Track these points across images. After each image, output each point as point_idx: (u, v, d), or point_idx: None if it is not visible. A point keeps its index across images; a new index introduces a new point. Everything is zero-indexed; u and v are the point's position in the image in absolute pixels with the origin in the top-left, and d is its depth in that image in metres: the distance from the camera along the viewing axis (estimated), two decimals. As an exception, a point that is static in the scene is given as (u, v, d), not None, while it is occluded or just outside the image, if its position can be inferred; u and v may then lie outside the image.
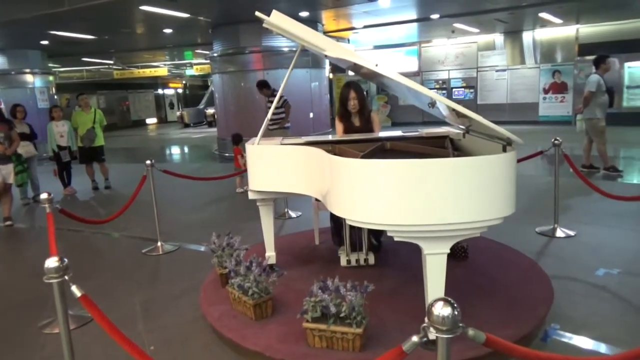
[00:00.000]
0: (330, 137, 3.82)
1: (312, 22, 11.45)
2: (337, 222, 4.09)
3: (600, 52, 8.57)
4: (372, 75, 3.43)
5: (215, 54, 11.61)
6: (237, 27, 11.00)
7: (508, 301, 3.09)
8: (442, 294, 2.46)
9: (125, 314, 3.49)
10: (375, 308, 2.82)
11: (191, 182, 6.80)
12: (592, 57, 13.85)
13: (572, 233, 4.72)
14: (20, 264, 5.04)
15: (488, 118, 2.50)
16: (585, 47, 14.38)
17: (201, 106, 25.37)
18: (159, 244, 4.95)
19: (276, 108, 8.49)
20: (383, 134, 3.96)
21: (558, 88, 14.86)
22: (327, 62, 12.20)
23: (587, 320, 3.06)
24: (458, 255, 3.75)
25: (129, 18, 10.12)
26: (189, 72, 22.98)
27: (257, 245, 4.04)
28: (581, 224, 4.97)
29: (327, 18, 11.63)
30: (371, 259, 3.71)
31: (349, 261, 3.69)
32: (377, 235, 4.02)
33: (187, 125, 23.95)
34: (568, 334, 2.89)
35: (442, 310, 1.33)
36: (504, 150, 2.53)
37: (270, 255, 3.66)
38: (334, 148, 3.34)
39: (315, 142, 3.50)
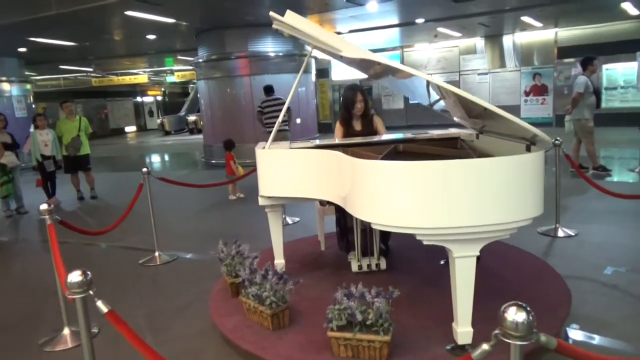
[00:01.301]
0: (336, 141, 3.75)
1: (298, 27, 11.41)
2: (343, 227, 4.02)
3: (579, 55, 8.73)
4: (383, 75, 3.38)
5: (200, 60, 11.46)
6: (223, 33, 10.88)
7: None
8: (471, 298, 2.42)
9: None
10: (395, 314, 2.75)
11: (182, 191, 6.66)
12: (570, 60, 14.32)
13: (573, 232, 4.75)
14: (6, 280, 4.80)
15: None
16: (564, 50, 14.69)
17: (182, 113, 25.07)
18: (156, 254, 4.80)
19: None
20: (387, 136, 3.91)
21: (539, 90, 15.12)
22: (313, 66, 12.17)
23: (604, 319, 3.05)
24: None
25: (113, 24, 9.91)
26: (170, 78, 22.68)
27: (263, 253, 3.93)
28: (581, 223, 5.01)
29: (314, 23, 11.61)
30: (382, 264, 3.64)
31: (360, 266, 3.62)
32: (384, 239, 3.96)
33: (168, 133, 23.63)
34: (589, 334, 2.87)
35: (516, 315, 1.27)
36: (528, 149, 2.51)
37: (280, 262, 3.57)
38: (346, 151, 3.27)
39: (325, 145, 3.42)
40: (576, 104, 7.43)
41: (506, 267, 3.66)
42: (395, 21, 11.97)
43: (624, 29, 13.63)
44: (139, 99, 28.68)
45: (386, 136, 3.91)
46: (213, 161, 11.72)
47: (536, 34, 15.13)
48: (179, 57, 16.96)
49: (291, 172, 3.04)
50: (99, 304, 1.73)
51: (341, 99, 4.01)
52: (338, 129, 4.09)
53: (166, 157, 15.58)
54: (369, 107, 4.04)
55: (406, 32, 14.22)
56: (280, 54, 11.13)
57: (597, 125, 7.54)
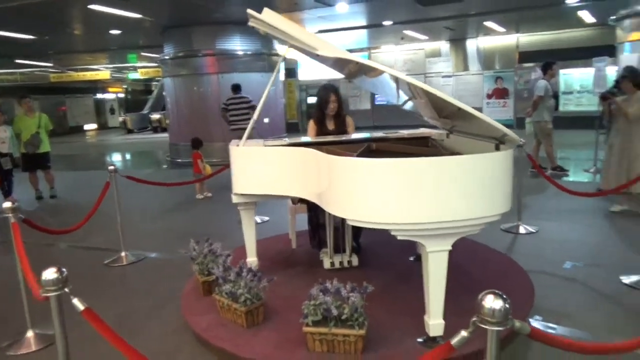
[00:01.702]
0: (303, 139, 3.77)
1: (267, 26, 11.38)
2: (315, 225, 4.05)
3: (538, 59, 9.11)
4: (357, 74, 3.44)
5: (166, 57, 11.26)
6: (190, 30, 10.74)
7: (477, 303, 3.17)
8: (443, 291, 2.49)
9: (93, 329, 3.26)
10: (368, 309, 2.80)
11: (148, 190, 6.52)
12: (530, 65, 14.85)
13: (534, 229, 4.94)
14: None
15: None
16: (524, 55, 15.25)
17: (145, 111, 24.52)
18: (122, 254, 4.69)
19: (248, 112, 8.56)
20: (360, 135, 3.97)
21: (500, 93, 15.60)
22: (282, 65, 12.14)
23: (565, 310, 3.19)
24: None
25: (76, 17, 9.61)
26: (133, 75, 22.13)
27: (235, 251, 3.92)
28: (541, 220, 5.22)
29: (281, 22, 11.60)
30: (354, 261, 3.70)
31: (332, 263, 3.66)
32: (355, 237, 4.02)
33: (130, 131, 23.06)
34: (552, 325, 3.00)
35: (493, 303, 1.33)
36: (497, 148, 2.61)
37: (253, 260, 3.56)
38: (321, 150, 3.30)
39: (299, 143, 3.44)
40: (536, 107, 7.72)
41: (473, 263, 3.78)
42: (363, 23, 12.12)
43: (580, 36, 14.26)
44: (99, 95, 27.84)
45: (359, 135, 3.97)
46: (179, 160, 11.52)
47: (498, 38, 15.64)
48: (143, 54, 16.59)
49: (266, 169, 3.04)
50: (75, 301, 1.70)
51: (317, 98, 4.03)
52: (311, 127, 4.12)
53: (130, 156, 15.20)
54: (342, 107, 4.09)
55: (373, 33, 14.41)
56: (249, 52, 11.08)
57: (554, 128, 7.87)
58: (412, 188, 2.28)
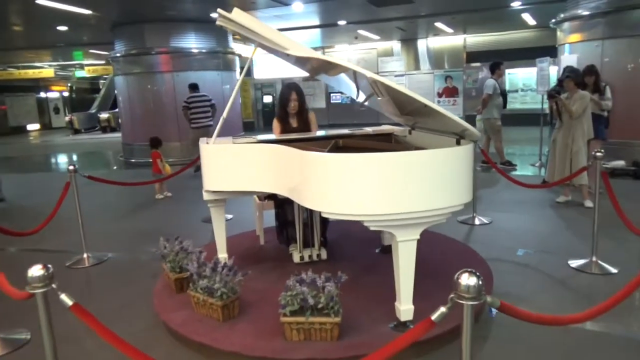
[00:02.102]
0: (269, 137, 3.84)
1: (222, 24, 11.28)
2: (282, 221, 4.13)
3: (485, 59, 9.58)
4: (319, 71, 3.54)
5: (117, 55, 10.94)
6: (143, 27, 10.49)
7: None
8: (412, 278, 2.65)
9: (70, 330, 3.21)
10: (340, 298, 2.92)
11: (105, 190, 6.37)
12: (477, 64, 15.49)
13: (487, 220, 5.24)
14: None
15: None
16: (471, 55, 15.88)
17: (93, 110, 23.64)
18: (84, 255, 4.59)
19: (209, 110, 8.63)
20: (325, 132, 4.08)
21: (450, 92, 16.19)
22: (237, 64, 12.09)
23: (520, 294, 3.44)
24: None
25: (21, 12, 9.18)
26: (80, 73, 21.26)
27: (204, 248, 3.93)
28: (493, 211, 5.53)
29: (236, 20, 11.54)
30: (323, 254, 3.81)
31: (302, 257, 3.76)
32: (322, 231, 4.13)
33: (77, 131, 22.13)
34: (509, 307, 3.23)
35: (468, 280, 1.47)
36: (458, 143, 2.79)
37: (223, 257, 3.60)
38: (289, 146, 3.39)
39: (266, 141, 3.51)
40: (486, 105, 8.13)
41: (434, 252, 3.99)
42: (318, 22, 12.25)
43: (523, 37, 15.03)
44: (42, 94, 26.51)
45: (324, 132, 4.08)
46: (133, 160, 11.25)
47: (447, 39, 16.21)
48: (91, 51, 16.01)
49: (238, 166, 3.09)
50: (63, 297, 1.71)
51: (279, 97, 4.12)
52: (275, 125, 4.20)
53: (80, 157, 14.62)
54: (304, 105, 4.19)
55: (327, 33, 14.58)
56: (204, 50, 10.95)
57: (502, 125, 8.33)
58: (383, 181, 2.41)
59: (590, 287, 3.56)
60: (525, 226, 5.07)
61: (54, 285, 1.73)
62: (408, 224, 2.51)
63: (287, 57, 3.35)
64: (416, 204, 2.45)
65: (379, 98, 3.50)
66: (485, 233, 4.90)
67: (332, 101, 17.58)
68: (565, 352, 2.70)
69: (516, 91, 15.13)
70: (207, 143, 3.27)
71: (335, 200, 2.50)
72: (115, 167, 11.62)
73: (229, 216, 5.96)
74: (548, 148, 8.20)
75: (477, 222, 5.21)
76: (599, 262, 3.81)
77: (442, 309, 1.51)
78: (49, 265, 1.76)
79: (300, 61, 3.61)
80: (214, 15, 9.96)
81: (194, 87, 8.87)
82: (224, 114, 3.31)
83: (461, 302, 1.48)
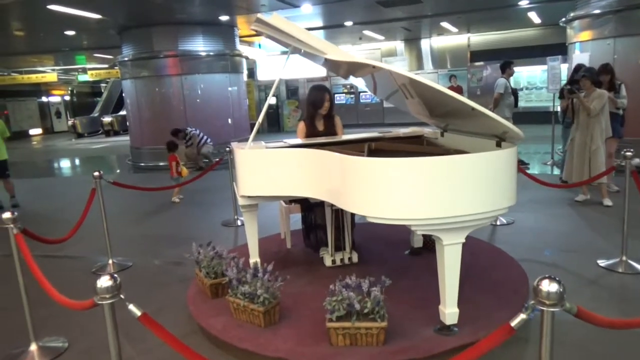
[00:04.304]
0: (299, 141, 3.83)
1: (229, 27, 11.29)
2: (309, 225, 4.13)
3: (489, 58, 9.61)
4: (350, 73, 3.54)
5: (125, 58, 10.92)
6: (151, 30, 10.48)
7: (491, 284, 3.38)
8: (457, 282, 2.65)
9: (102, 340, 3.21)
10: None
11: (119, 195, 6.36)
12: (481, 63, 15.51)
13: (505, 221, 5.23)
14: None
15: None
16: (475, 54, 15.90)
17: (96, 114, 23.61)
18: (110, 261, 4.59)
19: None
20: (355, 135, 4.08)
21: (455, 91, 15.87)
22: (244, 66, 12.09)
23: (554, 294, 3.44)
24: (431, 246, 3.98)
25: (30, 18, 9.15)
26: (82, 77, 21.21)
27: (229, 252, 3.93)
28: (514, 211, 5.51)
29: (242, 23, 11.54)
30: (354, 257, 3.81)
31: (333, 261, 3.76)
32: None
33: (80, 136, 22.10)
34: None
35: (549, 286, 1.47)
36: (498, 145, 2.79)
37: (256, 261, 3.60)
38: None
39: (299, 145, 3.51)
40: (497, 104, 8.12)
41: (464, 253, 3.96)
42: (325, 23, 12.26)
43: (528, 36, 15.05)
44: (44, 98, 26.46)
45: (354, 135, 4.07)
46: (142, 164, 11.23)
47: (451, 38, 16.23)
48: (96, 55, 15.98)
49: (274, 171, 3.08)
50: (131, 307, 1.70)
51: (309, 99, 4.11)
52: (301, 128, 4.18)
53: (87, 161, 14.60)
54: (333, 108, 4.18)
55: (331, 33, 14.58)
56: (211, 53, 10.95)
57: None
58: (430, 185, 2.41)
59: (623, 287, 3.57)
60: (547, 226, 5.07)
61: (122, 296, 1.72)
62: (454, 228, 2.51)
63: (315, 57, 3.34)
64: (463, 208, 2.45)
65: (407, 99, 3.50)
66: (509, 233, 4.91)
67: (336, 102, 17.57)
68: (614, 351, 2.71)
69: (521, 90, 15.14)
70: (242, 149, 3.26)
71: (381, 205, 2.49)
72: (118, 171, 11.59)
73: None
74: (559, 146, 8.24)
75: (500, 222, 5.21)
76: (629, 261, 3.81)
77: (522, 316, 1.51)
78: (116, 276, 1.75)
79: (331, 62, 3.60)
80: (222, 17, 9.98)
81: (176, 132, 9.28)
82: (260, 119, 3.30)
83: (542, 308, 1.48)
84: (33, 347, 3.06)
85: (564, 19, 8.64)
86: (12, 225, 2.87)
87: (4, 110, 23.54)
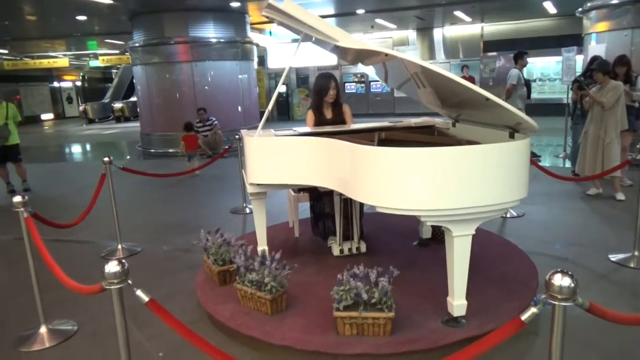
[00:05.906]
0: (309, 129, 3.80)
1: (240, 14, 11.23)
2: (318, 213, 4.12)
3: (502, 49, 9.45)
4: (360, 60, 3.51)
5: (136, 44, 10.92)
6: (161, 16, 10.45)
7: (500, 277, 3.35)
8: (466, 273, 2.63)
9: (111, 324, 3.24)
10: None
11: (126, 181, 6.39)
12: (494, 53, 15.29)
13: (515, 213, 5.18)
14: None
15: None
16: (488, 44, 15.67)
17: (106, 100, 23.71)
18: (119, 246, 4.62)
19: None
20: (364, 124, 4.04)
21: (467, 81, 16.01)
22: (255, 54, 12.03)
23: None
24: (440, 238, 3.96)
25: (44, 2, 9.17)
26: (94, 63, 21.28)
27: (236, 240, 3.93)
28: (524, 204, 5.44)
29: (253, 10, 11.47)
30: (362, 247, 3.80)
31: (341, 250, 3.75)
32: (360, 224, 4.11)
33: (92, 121, 22.24)
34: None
35: (562, 281, 1.44)
36: (511, 136, 2.75)
37: (264, 249, 3.60)
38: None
39: (306, 133, 3.48)
40: (510, 95, 8.01)
41: (474, 246, 3.93)
42: (337, 11, 12.14)
43: (542, 26, 14.79)
44: (56, 84, 26.61)
45: (364, 125, 4.03)
46: (152, 150, 11.28)
47: (463, 28, 16.01)
48: (107, 40, 16.00)
49: (284, 159, 3.07)
50: (139, 293, 1.71)
51: (315, 87, 4.07)
52: (310, 116, 4.15)
53: (97, 147, 14.69)
54: (340, 95, 4.15)
55: (343, 21, 14.44)
56: (222, 40, 10.90)
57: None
58: (441, 176, 2.38)
59: (634, 282, 3.52)
60: (558, 219, 5.02)
61: (129, 282, 1.72)
62: (464, 219, 2.48)
63: (324, 44, 3.30)
64: (474, 199, 2.41)
65: (419, 89, 3.46)
66: (519, 225, 4.86)
67: (347, 91, 17.50)
68: (623, 346, 2.68)
69: (534, 80, 14.93)
70: (252, 136, 3.25)
71: (391, 195, 2.47)
72: (128, 157, 11.64)
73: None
74: (571, 138, 8.13)
75: (510, 214, 5.16)
76: (642, 256, 3.76)
77: (533, 310, 1.48)
78: (124, 261, 1.75)
79: (341, 49, 3.56)
80: (233, 4, 9.91)
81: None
82: (269, 107, 3.28)
83: (554, 302, 1.45)
84: (43, 329, 3.09)
85: (580, 9, 8.47)
86: (22, 209, 2.88)
87: (16, 95, 23.72)
